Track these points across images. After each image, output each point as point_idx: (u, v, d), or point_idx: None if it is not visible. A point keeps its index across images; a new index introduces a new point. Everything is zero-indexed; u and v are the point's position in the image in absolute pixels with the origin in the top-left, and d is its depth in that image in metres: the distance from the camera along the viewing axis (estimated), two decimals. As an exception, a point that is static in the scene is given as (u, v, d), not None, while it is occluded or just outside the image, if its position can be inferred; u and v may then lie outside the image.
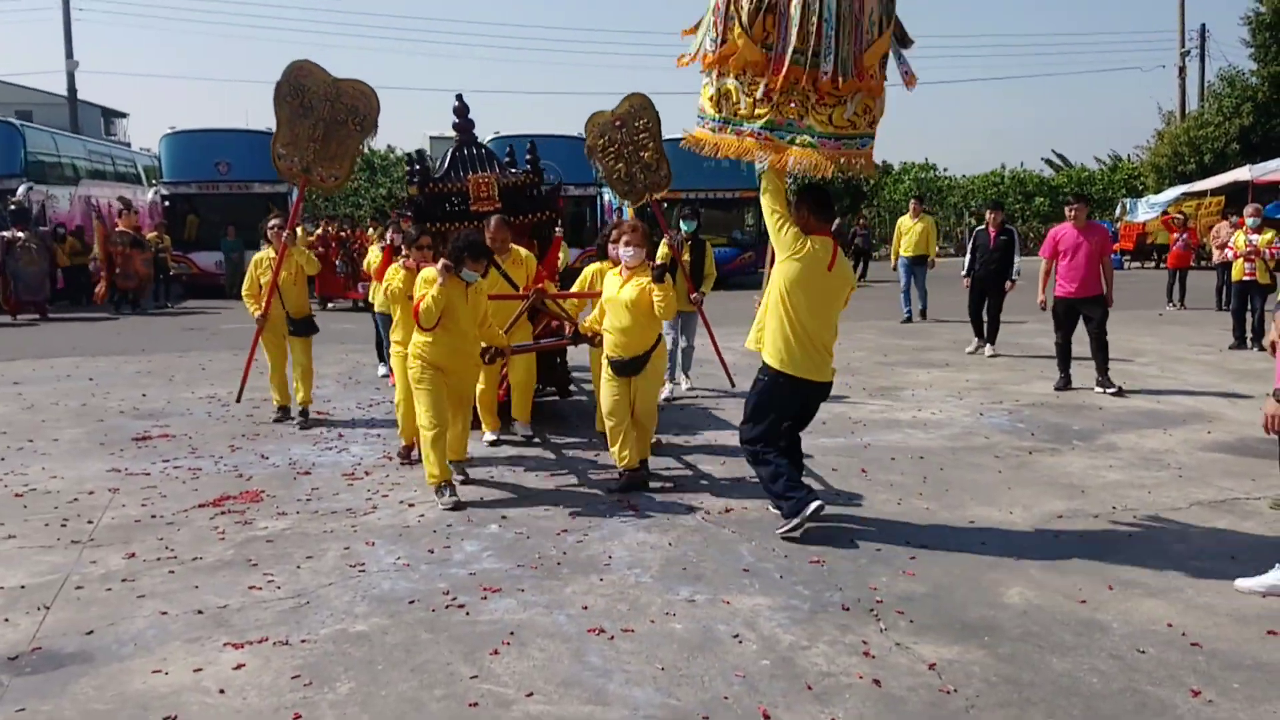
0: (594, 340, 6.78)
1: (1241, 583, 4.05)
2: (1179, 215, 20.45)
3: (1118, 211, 30.98)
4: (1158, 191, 30.63)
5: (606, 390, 6.28)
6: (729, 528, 5.46)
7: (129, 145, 34.32)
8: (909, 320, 15.44)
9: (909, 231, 15.37)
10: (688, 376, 9.72)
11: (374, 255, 9.55)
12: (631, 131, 9.14)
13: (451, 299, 5.87)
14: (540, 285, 7.22)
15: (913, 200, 16.81)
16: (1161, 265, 23.88)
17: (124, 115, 46.00)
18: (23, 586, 4.67)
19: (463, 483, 6.28)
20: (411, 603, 4.44)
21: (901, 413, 8.49)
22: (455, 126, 8.33)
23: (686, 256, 9.34)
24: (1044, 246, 9.80)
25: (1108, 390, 9.17)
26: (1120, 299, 16.18)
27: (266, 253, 8.56)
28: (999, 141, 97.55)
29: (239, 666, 3.81)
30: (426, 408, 5.95)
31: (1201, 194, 26.87)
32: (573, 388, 9.00)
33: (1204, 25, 35.80)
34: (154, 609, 4.39)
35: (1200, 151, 31.50)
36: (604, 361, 6.35)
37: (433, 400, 5.94)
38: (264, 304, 8.37)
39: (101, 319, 17.90)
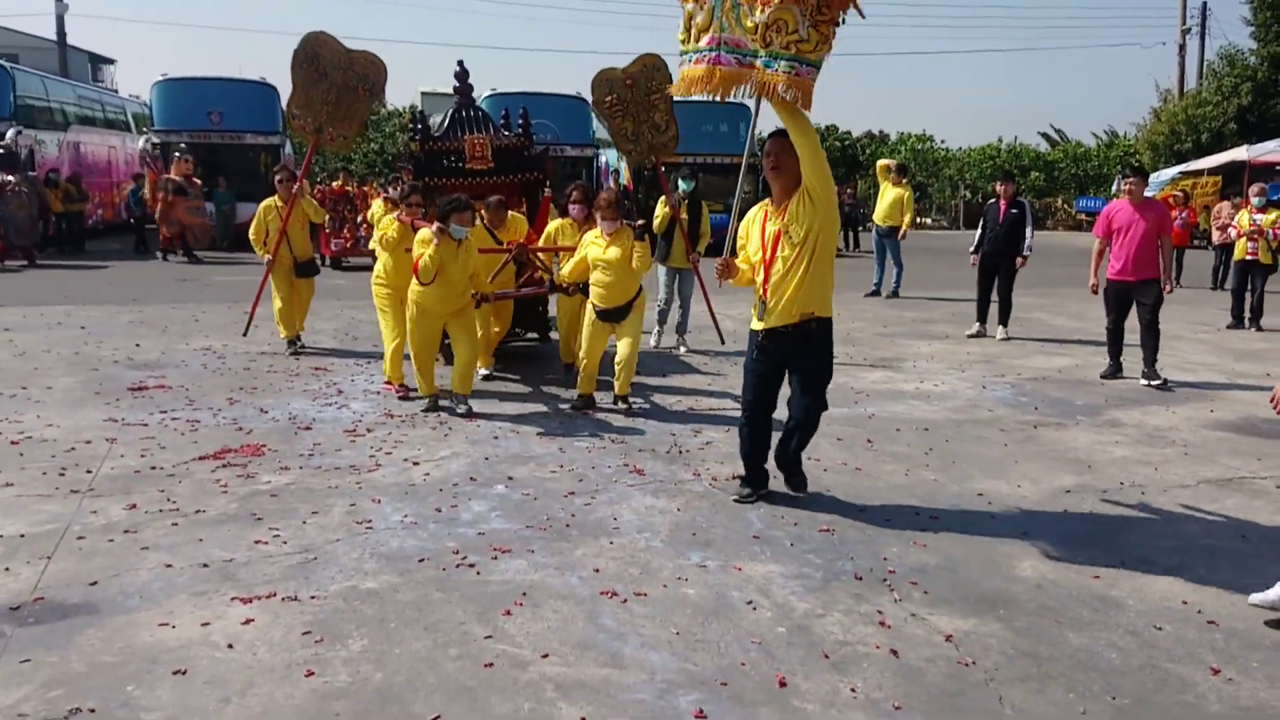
0: (568, 289, 7.86)
1: (1255, 598, 3.96)
2: (1179, 194, 20.41)
3: (1113, 188, 30.90)
4: (1154, 169, 30.56)
5: (589, 333, 7.27)
6: (735, 494, 5.42)
7: (117, 92, 33.72)
8: (874, 294, 14.67)
9: (880, 198, 14.74)
10: (684, 340, 9.86)
11: (378, 207, 9.98)
12: (643, 91, 9.33)
13: (444, 256, 6.74)
14: (521, 241, 8.08)
15: (882, 163, 15.45)
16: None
17: (112, 62, 45.19)
18: (22, 535, 4.59)
19: (466, 414, 7.04)
20: (421, 561, 4.38)
21: (904, 384, 8.45)
22: (455, 90, 8.94)
23: (684, 215, 9.73)
24: (1097, 224, 9.16)
25: (1153, 383, 8.45)
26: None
27: (274, 200, 9.50)
28: (996, 115, 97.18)
29: (248, 621, 3.76)
30: (417, 340, 7.15)
31: (1198, 173, 26.82)
32: (551, 334, 9.58)
33: (1205, 3, 35.65)
34: (158, 561, 4.32)
35: (1198, 130, 31.42)
36: (588, 309, 7.30)
37: (423, 335, 7.14)
38: (273, 249, 9.40)
39: (93, 267, 17.67)
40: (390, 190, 10.05)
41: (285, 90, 9.59)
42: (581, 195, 7.97)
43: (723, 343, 9.99)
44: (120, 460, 5.82)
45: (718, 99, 4.79)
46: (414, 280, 6.99)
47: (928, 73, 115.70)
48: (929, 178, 40.90)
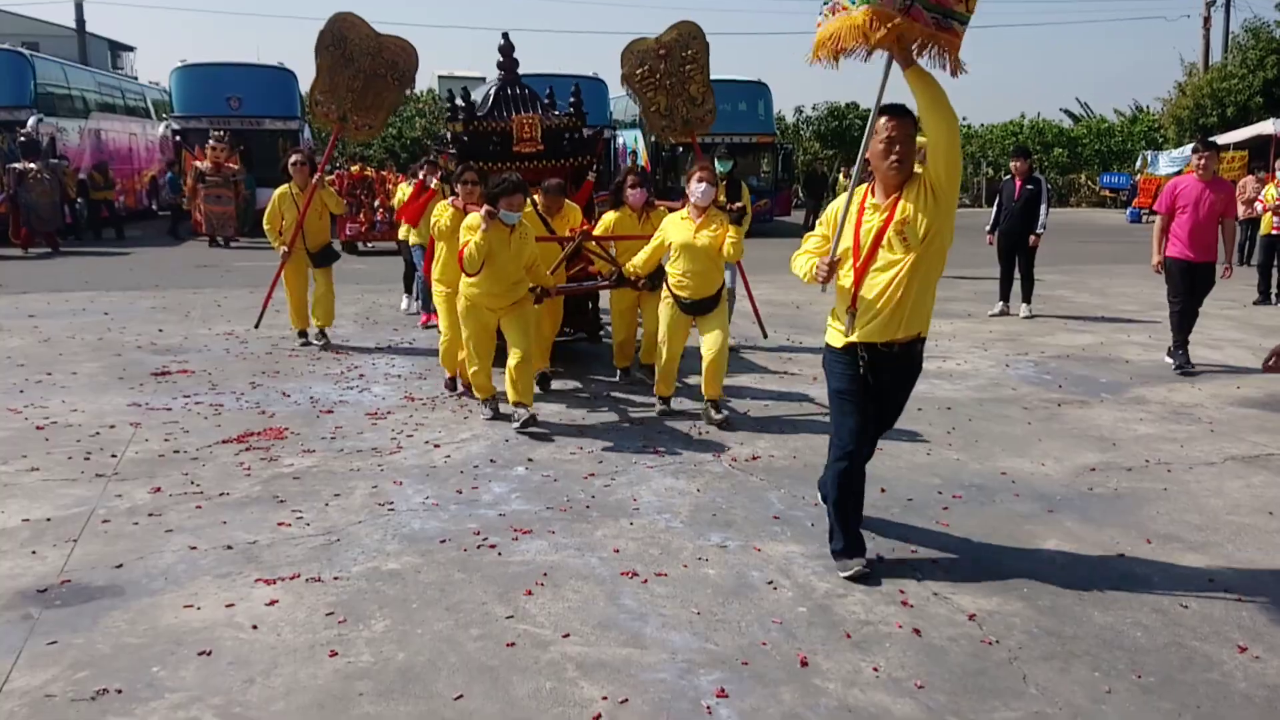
0: (639, 284, 6.82)
1: None
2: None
3: (1138, 164, 30.58)
4: (1178, 145, 30.17)
5: (668, 327, 6.46)
6: (756, 475, 5.41)
7: (136, 79, 33.86)
8: None
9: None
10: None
11: (403, 191, 9.53)
12: (677, 62, 8.61)
13: (494, 245, 5.95)
14: (587, 228, 7.17)
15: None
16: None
17: (131, 49, 45.50)
18: (48, 519, 4.64)
19: (527, 424, 6.17)
20: (443, 542, 4.40)
21: (926, 363, 8.37)
22: (499, 65, 8.31)
23: (722, 198, 9.06)
24: (1160, 199, 8.41)
25: (1176, 366, 8.08)
26: (1138, 253, 15.89)
27: (290, 188, 8.82)
28: (1019, 91, 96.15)
29: (272, 603, 3.78)
30: (472, 341, 6.39)
31: (1224, 147, 26.42)
32: (601, 333, 8.83)
33: (1233, -26, 35.02)
34: (183, 544, 4.36)
35: (1223, 104, 30.95)
36: (664, 301, 6.47)
37: (476, 334, 6.33)
38: (289, 240, 8.73)
39: (115, 253, 17.80)
40: (422, 173, 9.57)
41: (305, 75, 9.42)
42: (639, 180, 7.33)
43: (765, 336, 9.55)
44: (144, 444, 5.86)
45: (863, 56, 3.84)
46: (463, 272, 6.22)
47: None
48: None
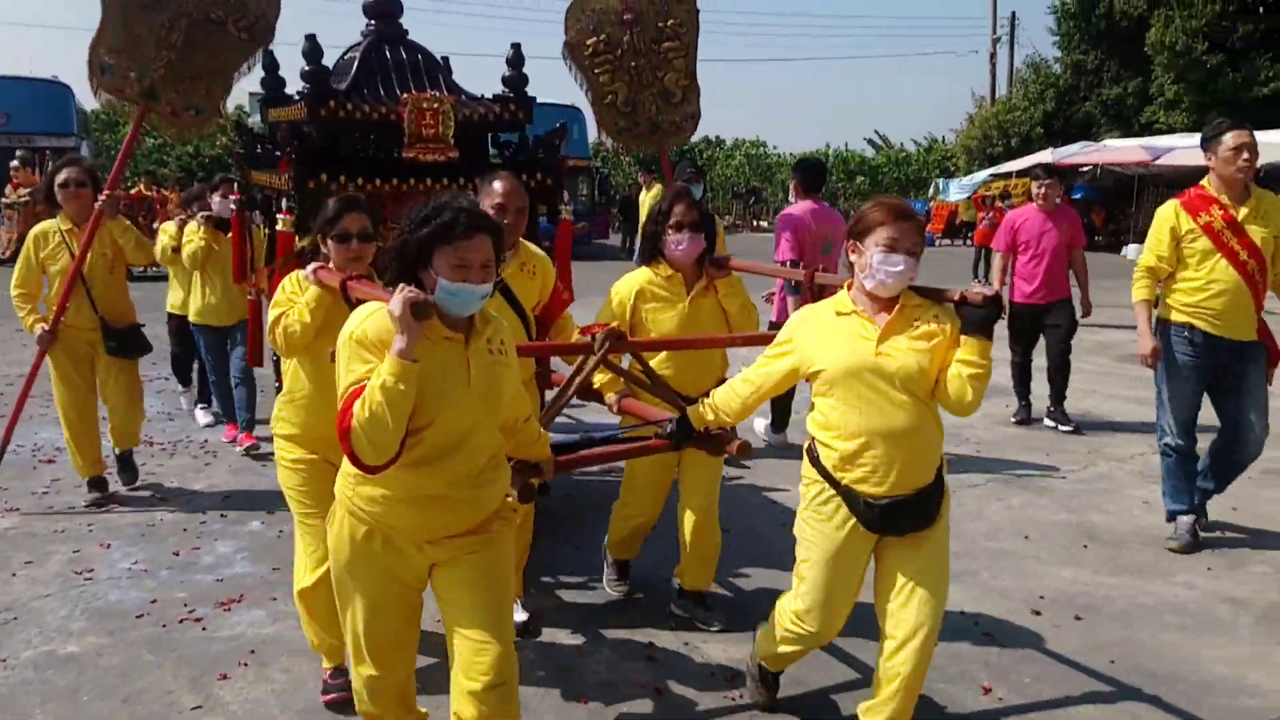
0: (728, 445, 3.33)
1: None
2: (991, 195, 21.29)
3: (930, 191, 32.18)
4: (969, 173, 31.96)
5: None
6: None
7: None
8: None
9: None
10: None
11: (169, 235, 6.29)
12: (650, 35, 5.65)
13: (432, 380, 2.40)
14: (614, 326, 3.31)
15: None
16: (969, 243, 24.86)
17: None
18: None
19: None
20: (140, 617, 3.85)
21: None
22: (367, 8, 4.86)
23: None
24: (999, 236, 7.38)
25: (1060, 427, 7.04)
26: (933, 276, 16.56)
27: (54, 224, 5.20)
28: (826, 122, 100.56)
29: (-97, 707, 3.16)
30: (369, 631, 2.61)
31: (1008, 175, 28.17)
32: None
33: (1014, 13, 37.54)
34: None
35: (1008, 135, 33.02)
36: (821, 515, 2.94)
37: (381, 614, 2.60)
38: (54, 311, 5.09)
39: None
40: (194, 206, 6.30)
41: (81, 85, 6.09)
42: (691, 211, 3.72)
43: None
44: None
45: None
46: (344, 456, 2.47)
47: (762, 80, 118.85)
48: (763, 182, 41.70)
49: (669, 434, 3.23)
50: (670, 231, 3.67)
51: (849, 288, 2.91)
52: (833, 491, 2.84)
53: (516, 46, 4.89)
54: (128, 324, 5.35)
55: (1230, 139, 4.40)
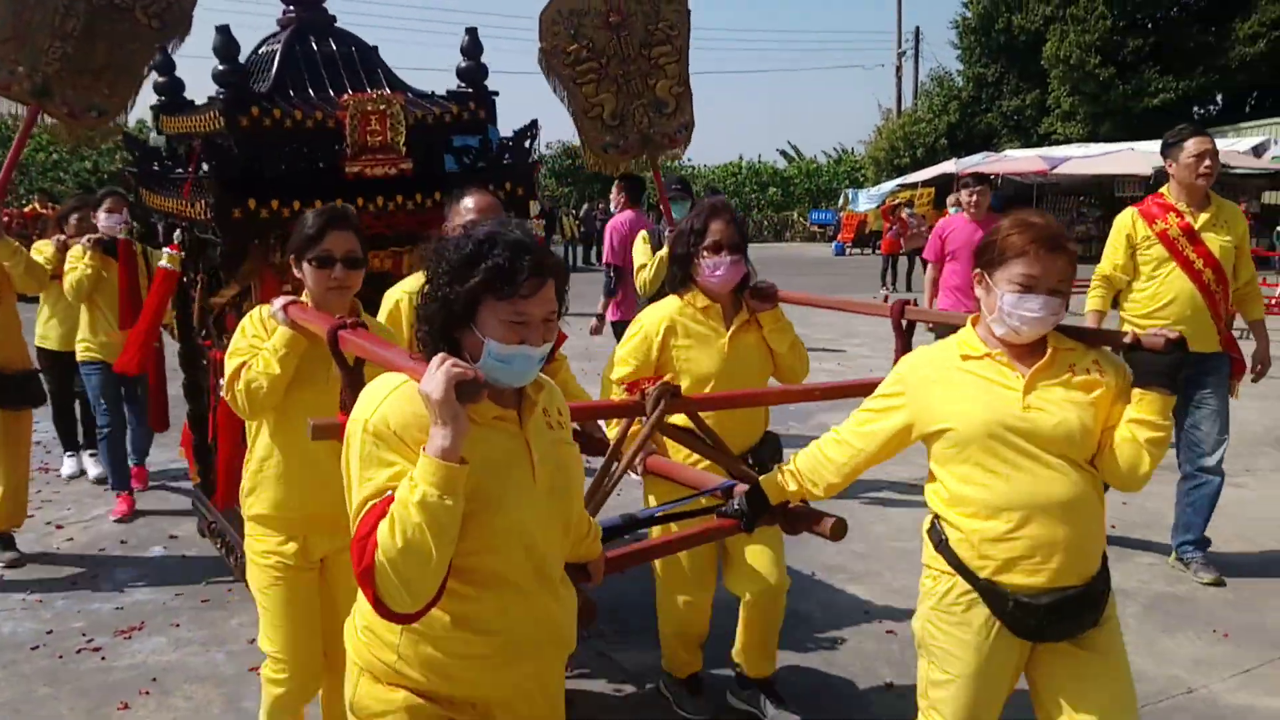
0: (818, 523, 2.70)
1: None
2: (899, 205, 21.82)
3: (840, 202, 32.87)
4: (877, 183, 32.73)
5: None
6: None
7: None
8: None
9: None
10: None
11: (43, 257, 5.21)
12: (639, 40, 5.05)
13: (488, 466, 1.75)
14: (666, 381, 2.75)
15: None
16: (877, 252, 25.49)
17: None
18: None
19: None
20: (35, 649, 3.74)
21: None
22: None
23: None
24: (929, 246, 7.05)
25: None
26: (842, 284, 16.74)
27: None
28: (742, 134, 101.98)
29: None
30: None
31: (914, 185, 28.93)
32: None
33: (918, 28, 38.66)
34: None
35: (914, 146, 33.94)
36: (968, 621, 2.33)
37: None
38: None
39: None
40: (72, 221, 5.59)
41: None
42: (730, 229, 3.12)
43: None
44: None
45: None
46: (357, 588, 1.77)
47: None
48: (678, 193, 42.12)
49: (737, 512, 2.57)
50: (706, 254, 3.04)
51: (974, 324, 2.31)
52: (968, 587, 2.22)
53: (472, 32, 4.24)
54: (17, 369, 4.53)
55: (1192, 145, 4.29)
